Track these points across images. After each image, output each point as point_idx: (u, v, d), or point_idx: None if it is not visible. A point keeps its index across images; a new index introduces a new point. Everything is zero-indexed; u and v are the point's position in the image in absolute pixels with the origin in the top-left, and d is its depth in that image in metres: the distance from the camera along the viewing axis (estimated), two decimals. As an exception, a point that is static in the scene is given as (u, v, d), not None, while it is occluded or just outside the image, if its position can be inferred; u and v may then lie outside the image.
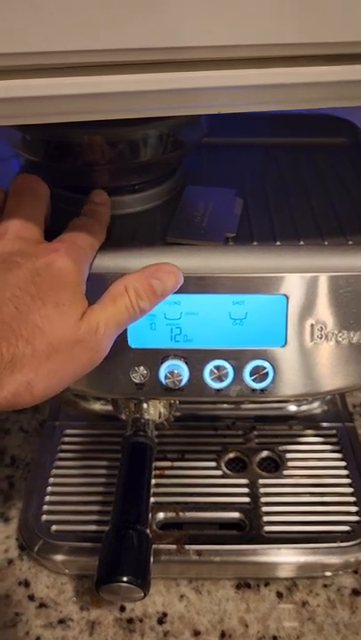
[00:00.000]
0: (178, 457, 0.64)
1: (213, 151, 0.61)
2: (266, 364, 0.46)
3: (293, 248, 0.46)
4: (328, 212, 0.50)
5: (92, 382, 0.48)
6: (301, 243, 0.46)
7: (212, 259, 0.45)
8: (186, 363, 0.46)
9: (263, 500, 0.59)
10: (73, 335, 0.37)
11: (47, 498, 0.60)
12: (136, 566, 0.45)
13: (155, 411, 0.54)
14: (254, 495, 0.59)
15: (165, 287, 0.42)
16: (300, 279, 0.44)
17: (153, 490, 0.52)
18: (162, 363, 0.46)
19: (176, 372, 0.46)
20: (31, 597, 0.54)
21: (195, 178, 0.55)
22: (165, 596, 0.54)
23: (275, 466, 0.63)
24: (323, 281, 0.44)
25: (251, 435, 0.66)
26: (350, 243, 0.46)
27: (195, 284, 0.45)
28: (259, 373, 0.46)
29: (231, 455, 0.64)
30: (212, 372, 0.46)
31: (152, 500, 0.51)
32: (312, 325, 0.45)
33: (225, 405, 0.69)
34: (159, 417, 0.54)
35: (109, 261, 0.44)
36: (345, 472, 0.62)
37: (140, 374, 0.47)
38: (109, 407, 0.67)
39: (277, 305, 0.45)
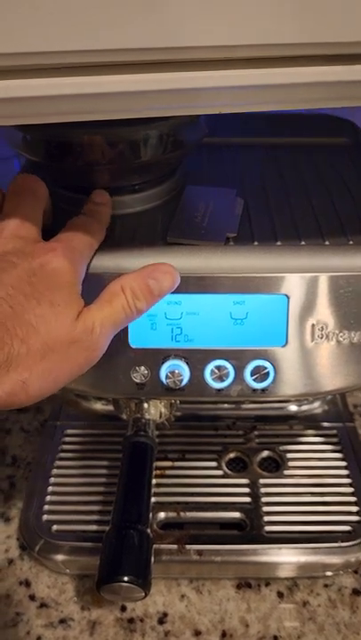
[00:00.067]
0: (179, 457, 0.64)
1: (214, 151, 0.61)
2: (267, 363, 0.46)
3: (294, 248, 0.46)
4: (329, 211, 0.50)
5: (93, 382, 0.48)
6: (302, 243, 0.46)
7: (213, 259, 0.45)
8: (187, 363, 0.46)
9: (264, 499, 0.59)
10: (68, 335, 0.37)
11: (48, 498, 0.60)
12: (137, 566, 0.45)
13: (155, 410, 0.54)
14: (255, 495, 0.59)
15: (162, 287, 0.42)
16: (300, 279, 0.44)
17: (154, 490, 0.52)
18: (163, 363, 0.46)
19: (177, 371, 0.46)
20: (32, 597, 0.54)
21: (195, 178, 0.55)
22: (166, 595, 0.54)
23: (275, 466, 0.63)
24: (324, 281, 0.44)
25: (251, 435, 0.66)
26: (351, 243, 0.46)
27: (195, 284, 0.45)
28: (259, 373, 0.46)
29: (232, 455, 0.64)
30: (212, 371, 0.46)
31: (153, 499, 0.51)
32: (313, 325, 0.45)
33: (226, 405, 0.69)
34: (160, 417, 0.54)
35: (109, 261, 0.44)
36: (346, 472, 0.61)
37: (140, 374, 0.47)
38: (110, 407, 0.67)
39: (278, 305, 0.45)
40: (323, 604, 0.53)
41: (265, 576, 0.55)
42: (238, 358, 0.46)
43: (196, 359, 0.46)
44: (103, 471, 0.62)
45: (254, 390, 0.47)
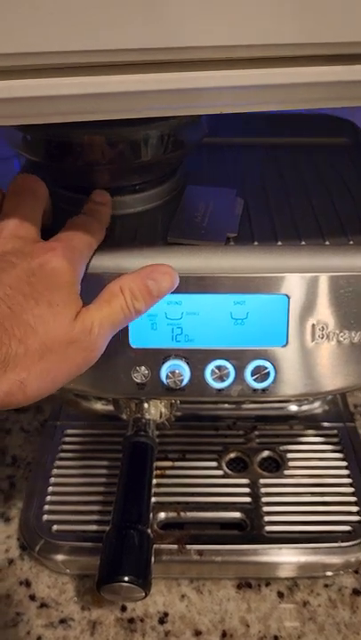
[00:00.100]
0: (179, 457, 0.64)
1: (214, 151, 0.61)
2: (267, 363, 0.46)
3: (294, 248, 0.46)
4: (329, 211, 0.50)
5: (93, 382, 0.48)
6: (303, 243, 0.46)
7: (213, 259, 0.45)
8: (187, 363, 0.46)
9: (264, 499, 0.59)
10: (67, 335, 0.37)
11: (48, 498, 0.60)
12: (137, 566, 0.45)
13: (156, 410, 0.54)
14: (255, 495, 0.59)
15: (161, 288, 0.42)
16: (301, 279, 0.44)
17: (154, 490, 0.52)
18: (163, 363, 0.46)
19: (177, 371, 0.46)
20: (32, 597, 0.54)
21: (195, 178, 0.55)
22: (166, 595, 0.54)
23: (276, 466, 0.63)
24: (324, 281, 0.44)
25: (252, 435, 0.66)
26: (351, 243, 0.46)
27: (196, 284, 0.45)
28: (260, 373, 0.46)
29: (232, 455, 0.64)
30: (213, 371, 0.46)
31: (153, 499, 0.51)
32: (313, 325, 0.45)
33: (226, 405, 0.69)
34: (160, 417, 0.54)
35: (110, 261, 0.44)
36: (346, 472, 0.61)
37: (141, 374, 0.47)
38: (110, 407, 0.67)
39: (279, 305, 0.45)
40: (323, 604, 0.53)
41: (265, 576, 0.55)
42: (239, 358, 0.46)
43: (197, 359, 0.46)
44: (103, 471, 0.62)
45: (255, 390, 0.47)
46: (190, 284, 0.44)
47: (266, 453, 0.64)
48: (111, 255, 0.45)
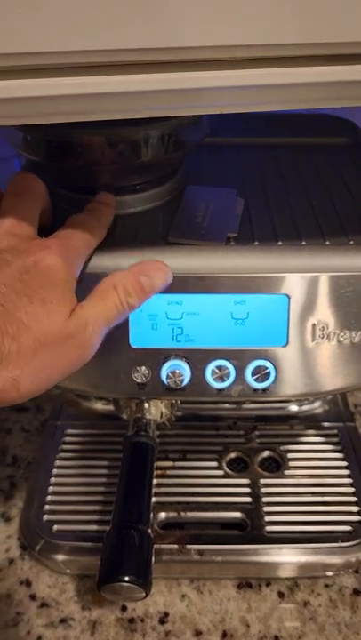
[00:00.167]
0: (179, 457, 0.64)
1: (214, 151, 0.61)
2: (267, 363, 0.46)
3: (295, 248, 0.46)
4: (329, 211, 0.50)
5: (93, 382, 0.48)
6: (303, 243, 0.46)
7: (214, 259, 0.45)
8: (187, 363, 0.46)
9: (265, 499, 0.59)
10: (61, 332, 0.38)
11: (48, 497, 0.60)
12: (138, 566, 0.45)
13: (156, 410, 0.54)
14: (256, 495, 0.59)
15: (154, 284, 0.42)
16: (301, 279, 0.44)
17: (154, 490, 0.52)
18: (163, 363, 0.46)
19: (178, 371, 0.46)
20: (32, 597, 0.54)
21: (196, 178, 0.55)
22: (167, 595, 0.54)
23: (276, 466, 0.63)
24: (324, 281, 0.44)
25: (252, 435, 0.66)
26: (351, 243, 0.46)
27: (196, 284, 0.45)
28: (260, 373, 0.46)
29: (233, 455, 0.64)
30: (213, 371, 0.46)
31: (154, 499, 0.51)
32: (314, 325, 0.45)
33: (226, 405, 0.69)
34: (161, 417, 0.54)
35: (111, 261, 0.44)
36: (346, 472, 0.61)
37: (141, 374, 0.47)
38: (111, 407, 0.67)
39: (279, 305, 0.45)
40: (323, 604, 0.53)
41: (266, 576, 0.55)
42: (239, 358, 0.46)
43: (197, 359, 0.46)
44: (104, 471, 0.62)
45: (255, 390, 0.47)
46: (191, 283, 0.45)
47: (266, 453, 0.64)
48: (111, 255, 0.45)
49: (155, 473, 0.52)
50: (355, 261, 0.45)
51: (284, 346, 0.46)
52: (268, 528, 0.56)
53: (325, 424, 0.67)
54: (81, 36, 0.27)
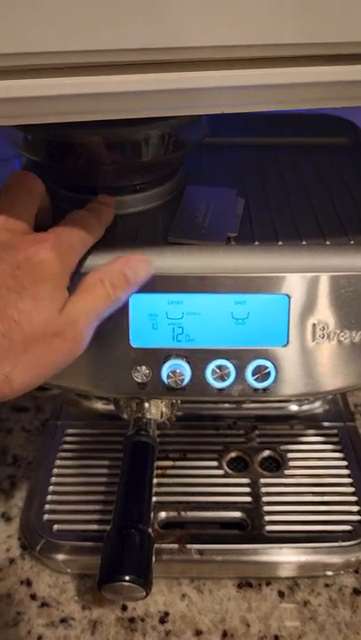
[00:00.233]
0: (180, 456, 0.64)
1: (214, 151, 0.61)
2: (268, 363, 0.46)
3: (295, 248, 0.46)
4: (329, 211, 0.50)
5: (94, 382, 0.48)
6: (303, 242, 0.46)
7: (214, 258, 0.45)
8: (188, 362, 0.46)
9: (265, 499, 0.59)
10: (52, 328, 0.38)
11: (49, 497, 0.60)
12: (138, 565, 0.45)
13: (156, 410, 0.54)
14: (256, 495, 0.59)
15: (137, 276, 0.43)
16: (301, 279, 0.44)
17: (155, 489, 0.52)
18: (164, 362, 0.46)
19: (178, 371, 0.46)
20: (33, 597, 0.54)
21: (196, 178, 0.55)
22: (167, 595, 0.54)
23: (276, 465, 0.63)
24: (325, 281, 0.44)
25: (252, 434, 0.66)
26: (352, 242, 0.46)
27: (197, 284, 0.45)
28: (261, 373, 0.46)
29: (233, 455, 0.64)
30: (214, 371, 0.46)
31: (154, 499, 0.51)
32: (314, 325, 0.45)
33: (226, 405, 0.69)
34: (161, 416, 0.54)
35: (111, 261, 0.44)
36: (346, 471, 0.61)
37: (142, 374, 0.47)
38: (111, 407, 0.67)
39: (279, 305, 0.45)
40: (324, 604, 0.53)
41: (266, 575, 0.55)
42: (239, 358, 0.46)
43: (198, 359, 0.46)
44: (104, 471, 0.62)
45: (255, 390, 0.47)
46: (191, 283, 0.45)
47: (266, 453, 0.64)
48: (112, 255, 0.45)
49: (155, 472, 0.52)
50: (355, 261, 0.45)
51: (285, 346, 0.46)
52: (269, 528, 0.56)
53: (326, 424, 0.67)
54: (81, 35, 0.27)
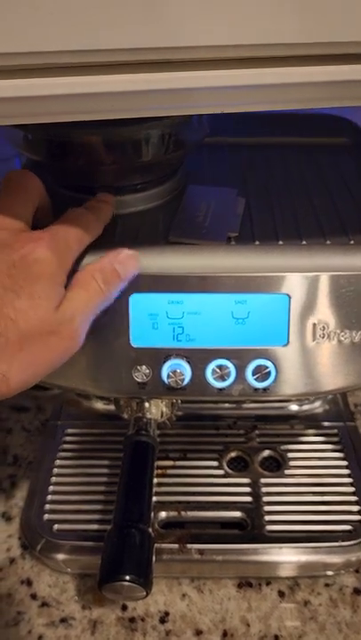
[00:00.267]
0: (180, 456, 0.64)
1: (215, 151, 0.61)
2: (268, 363, 0.46)
3: (296, 247, 0.46)
4: (330, 211, 0.50)
5: (94, 381, 0.48)
6: (304, 242, 0.46)
7: (215, 258, 0.45)
8: (188, 362, 0.46)
9: (265, 499, 0.59)
10: (49, 326, 0.38)
11: (49, 497, 0.60)
12: (138, 565, 0.45)
13: (157, 410, 0.54)
14: (256, 494, 0.59)
15: (127, 270, 0.43)
16: (302, 278, 0.44)
17: (155, 489, 0.52)
18: (164, 362, 0.46)
19: (178, 371, 0.46)
20: (33, 596, 0.54)
21: (196, 177, 0.55)
22: (167, 595, 0.54)
23: (276, 465, 0.63)
24: (325, 280, 0.44)
25: (252, 434, 0.66)
26: (352, 242, 0.46)
27: (197, 284, 0.45)
28: (261, 373, 0.46)
29: (233, 454, 0.64)
30: (214, 371, 0.46)
31: (154, 499, 0.51)
32: (314, 325, 0.45)
33: (227, 405, 0.69)
34: (161, 416, 0.54)
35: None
36: (346, 471, 0.61)
37: (142, 373, 0.47)
38: (111, 406, 0.67)
39: (280, 304, 0.45)
40: (324, 604, 0.53)
41: (266, 575, 0.55)
42: (240, 358, 0.46)
43: (198, 358, 0.46)
44: (104, 470, 0.62)
45: (256, 390, 0.47)
46: (191, 283, 0.45)
47: (266, 453, 0.64)
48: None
49: (155, 472, 0.52)
50: (355, 261, 0.45)
51: (285, 345, 0.46)
52: (269, 527, 0.56)
53: (326, 423, 0.67)
54: (80, 35, 0.27)
